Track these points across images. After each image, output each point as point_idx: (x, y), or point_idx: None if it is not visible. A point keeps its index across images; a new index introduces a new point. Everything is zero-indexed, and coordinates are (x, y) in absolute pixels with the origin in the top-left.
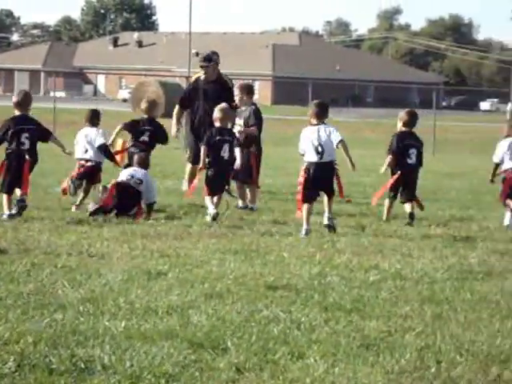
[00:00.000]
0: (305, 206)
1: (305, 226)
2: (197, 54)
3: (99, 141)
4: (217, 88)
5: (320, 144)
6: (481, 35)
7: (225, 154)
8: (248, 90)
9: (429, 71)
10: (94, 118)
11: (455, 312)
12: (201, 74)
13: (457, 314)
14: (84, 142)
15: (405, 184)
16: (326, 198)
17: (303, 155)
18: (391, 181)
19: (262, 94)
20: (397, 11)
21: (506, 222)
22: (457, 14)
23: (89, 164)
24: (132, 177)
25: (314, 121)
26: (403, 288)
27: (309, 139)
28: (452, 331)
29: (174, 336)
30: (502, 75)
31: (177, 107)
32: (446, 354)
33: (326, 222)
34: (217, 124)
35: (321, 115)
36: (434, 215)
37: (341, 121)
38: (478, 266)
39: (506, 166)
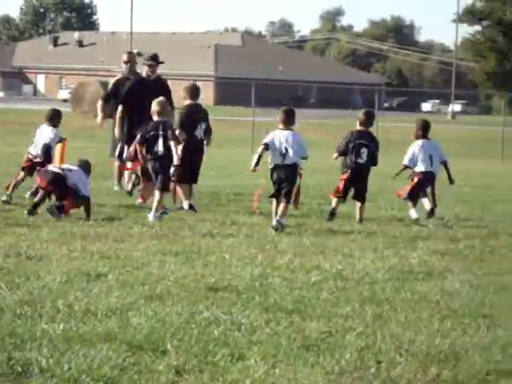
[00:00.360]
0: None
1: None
2: (138, 54)
3: (46, 141)
4: (157, 87)
5: (286, 148)
6: (422, 37)
7: (159, 148)
8: (192, 91)
9: (371, 72)
10: (53, 118)
11: (395, 312)
12: (142, 73)
13: (397, 314)
14: (38, 139)
15: (355, 183)
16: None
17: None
18: (342, 180)
19: (205, 94)
20: (339, 12)
21: (414, 215)
22: (399, 16)
23: (37, 160)
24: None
25: (281, 126)
26: (344, 288)
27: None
28: (392, 331)
29: (113, 338)
30: (443, 76)
31: (120, 107)
32: (385, 354)
33: (273, 223)
34: (155, 118)
35: (287, 121)
36: (375, 216)
37: None
38: (419, 266)
39: (418, 168)
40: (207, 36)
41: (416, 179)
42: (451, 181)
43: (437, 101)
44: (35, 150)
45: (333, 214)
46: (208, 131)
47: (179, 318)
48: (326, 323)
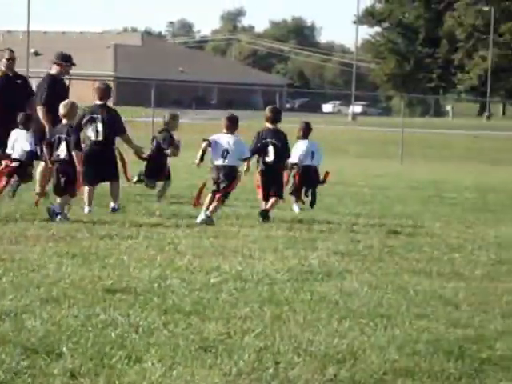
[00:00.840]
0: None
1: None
2: (36, 54)
3: (27, 146)
4: (20, 86)
5: (227, 150)
6: (323, 38)
7: (61, 152)
8: (99, 92)
9: (272, 73)
10: (26, 122)
11: (294, 313)
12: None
13: (296, 315)
14: (12, 142)
15: (267, 183)
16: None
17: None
18: (257, 183)
19: None
20: (240, 13)
21: (296, 209)
22: (300, 17)
23: (14, 164)
24: None
25: (225, 131)
26: (243, 289)
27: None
28: (291, 332)
29: (6, 341)
30: (343, 78)
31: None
32: (284, 355)
33: (202, 217)
34: (64, 121)
35: (231, 127)
36: (275, 216)
37: (186, 122)
38: (319, 267)
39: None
40: (105, 36)
41: (297, 175)
42: (322, 181)
43: (338, 102)
44: (14, 153)
45: (264, 216)
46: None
47: (75, 320)
48: (224, 324)
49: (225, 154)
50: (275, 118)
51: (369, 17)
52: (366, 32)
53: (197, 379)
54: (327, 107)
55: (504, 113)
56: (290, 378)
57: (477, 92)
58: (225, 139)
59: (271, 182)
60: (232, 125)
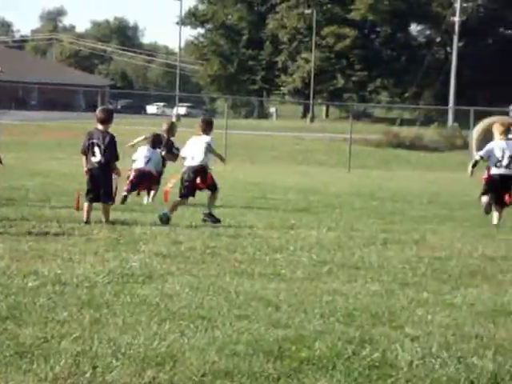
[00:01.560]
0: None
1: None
2: None
3: None
4: None
5: (195, 151)
6: (146, 39)
7: None
8: None
9: (95, 74)
10: None
11: (114, 316)
12: None
13: (116, 318)
14: None
15: (94, 184)
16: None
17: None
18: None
19: None
20: (61, 12)
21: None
22: (122, 17)
23: None
24: None
25: (200, 133)
26: (62, 293)
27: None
28: (110, 335)
29: None
30: (167, 79)
31: None
32: (102, 359)
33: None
34: None
35: (206, 129)
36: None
37: (4, 123)
38: (140, 269)
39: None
40: None
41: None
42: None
43: (162, 103)
44: None
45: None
46: None
47: None
48: (41, 329)
49: (193, 156)
50: (106, 118)
51: (192, 18)
52: (190, 33)
53: None
54: (151, 109)
55: (327, 115)
56: (108, 382)
57: (300, 94)
58: (194, 142)
59: (95, 183)
60: (207, 127)
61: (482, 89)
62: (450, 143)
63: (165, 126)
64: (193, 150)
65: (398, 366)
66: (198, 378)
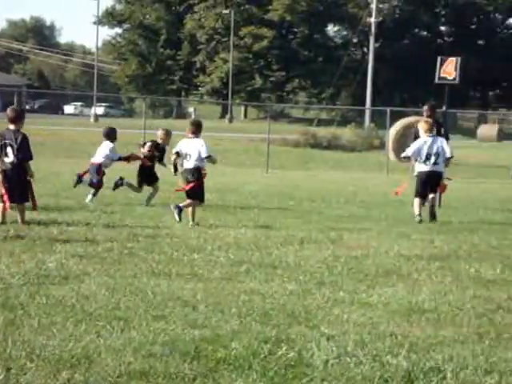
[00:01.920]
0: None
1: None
2: None
3: None
4: None
5: (189, 154)
6: (63, 38)
7: None
8: None
9: (11, 73)
10: None
11: (29, 317)
12: None
13: (30, 319)
14: None
15: (10, 183)
16: None
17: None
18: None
19: None
20: None
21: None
22: (39, 16)
23: None
24: None
25: (191, 135)
26: None
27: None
28: (24, 337)
29: None
30: (85, 79)
31: None
32: (16, 361)
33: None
34: None
35: (195, 131)
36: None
37: None
38: (56, 270)
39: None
40: None
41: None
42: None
43: (79, 103)
44: None
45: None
46: None
47: None
48: None
49: (188, 158)
50: (15, 118)
51: (109, 18)
52: (107, 33)
53: None
54: (69, 108)
55: (246, 115)
56: None
57: (219, 94)
58: (187, 144)
59: (14, 186)
60: (196, 129)
61: (397, 89)
62: (367, 143)
63: (161, 134)
64: (187, 151)
65: (314, 365)
66: (113, 378)
